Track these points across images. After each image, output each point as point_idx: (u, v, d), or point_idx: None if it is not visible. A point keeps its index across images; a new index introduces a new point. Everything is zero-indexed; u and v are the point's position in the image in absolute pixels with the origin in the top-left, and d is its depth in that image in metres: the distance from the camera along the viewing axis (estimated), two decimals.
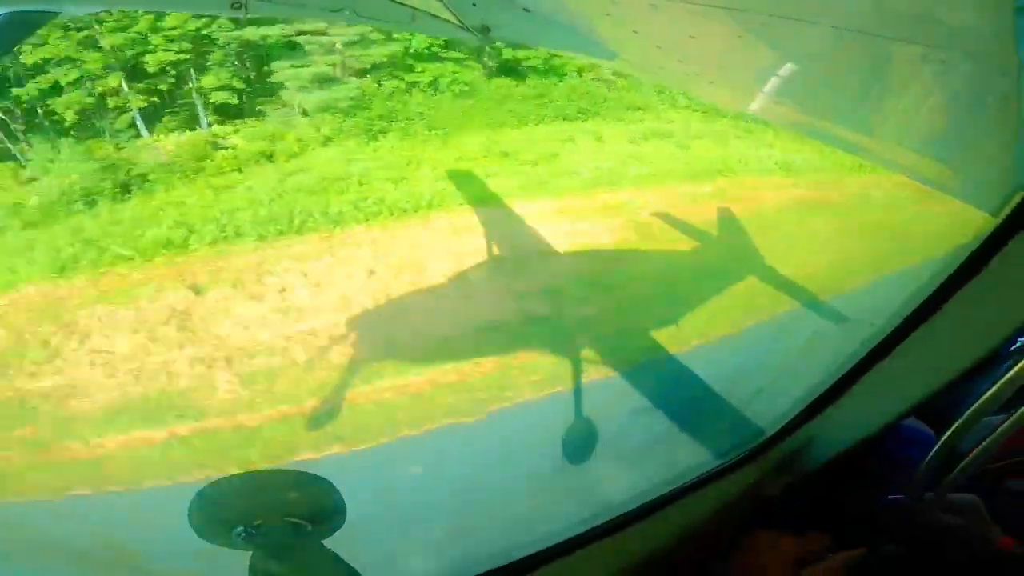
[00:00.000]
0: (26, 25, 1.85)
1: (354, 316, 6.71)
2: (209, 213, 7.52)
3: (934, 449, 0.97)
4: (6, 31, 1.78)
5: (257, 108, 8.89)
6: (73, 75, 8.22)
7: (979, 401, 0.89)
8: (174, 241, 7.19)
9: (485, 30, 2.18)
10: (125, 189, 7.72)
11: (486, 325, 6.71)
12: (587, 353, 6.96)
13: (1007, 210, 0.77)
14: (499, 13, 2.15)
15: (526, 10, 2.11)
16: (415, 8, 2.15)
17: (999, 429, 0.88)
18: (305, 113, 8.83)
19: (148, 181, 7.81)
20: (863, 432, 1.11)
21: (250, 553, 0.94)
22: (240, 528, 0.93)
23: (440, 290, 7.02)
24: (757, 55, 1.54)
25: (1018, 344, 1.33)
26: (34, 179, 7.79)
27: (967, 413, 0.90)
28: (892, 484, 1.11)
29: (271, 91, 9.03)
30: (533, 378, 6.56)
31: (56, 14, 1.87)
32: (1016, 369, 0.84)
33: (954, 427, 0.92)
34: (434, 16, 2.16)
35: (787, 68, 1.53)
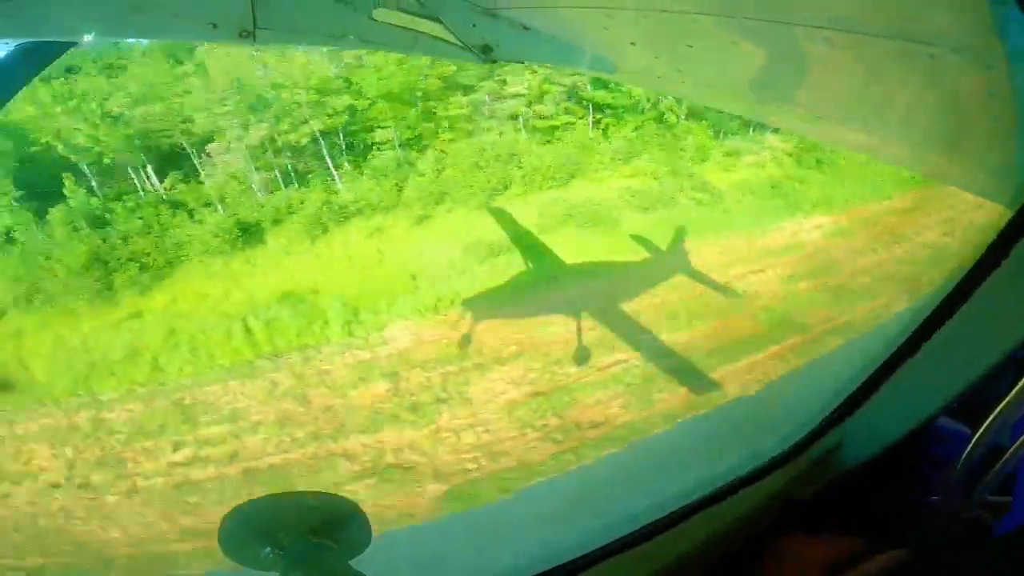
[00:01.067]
0: (43, 57, 1.90)
1: None
2: None
3: (968, 447, 0.94)
4: (23, 63, 1.83)
5: None
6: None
7: (1010, 394, 0.86)
8: None
9: (487, 49, 2.23)
10: None
11: None
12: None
13: (1022, 200, 0.76)
14: (499, 32, 2.20)
15: (525, 28, 2.16)
16: (417, 31, 2.21)
17: None
18: None
19: None
20: (895, 433, 1.08)
21: (277, 574, 0.94)
22: (268, 549, 0.93)
23: None
24: (753, 60, 1.56)
25: None
26: None
27: (999, 408, 0.87)
28: (928, 485, 1.08)
29: None
30: None
31: (73, 44, 1.92)
32: None
33: (987, 423, 0.89)
34: (436, 38, 2.22)
35: (782, 71, 1.55)
